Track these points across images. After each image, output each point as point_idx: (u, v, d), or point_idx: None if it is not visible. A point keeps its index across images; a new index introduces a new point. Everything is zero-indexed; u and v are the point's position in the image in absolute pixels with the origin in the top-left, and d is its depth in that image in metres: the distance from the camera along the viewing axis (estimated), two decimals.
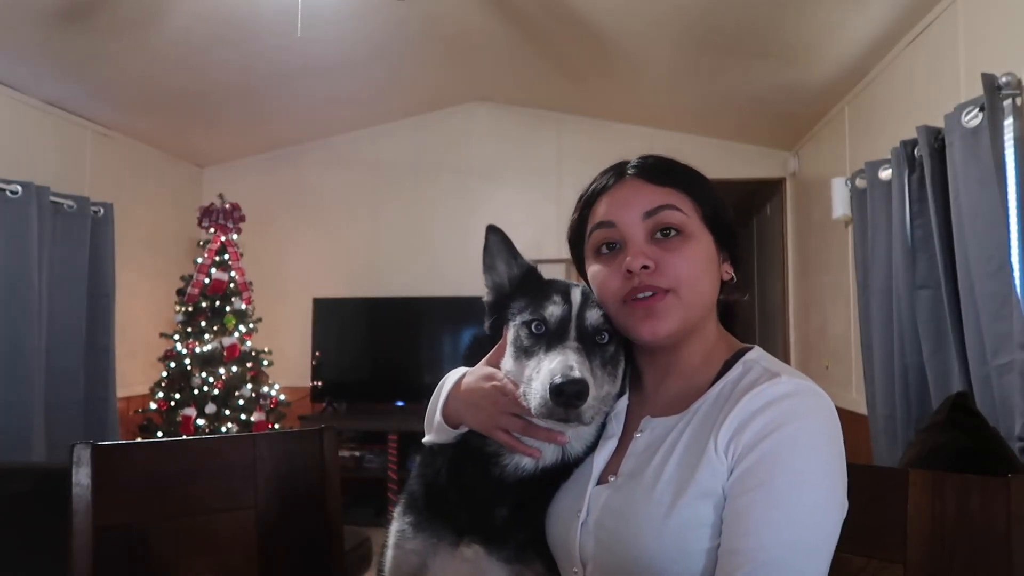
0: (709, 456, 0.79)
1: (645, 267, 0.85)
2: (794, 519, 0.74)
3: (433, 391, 1.03)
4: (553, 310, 0.91)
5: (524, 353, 0.90)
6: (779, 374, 0.81)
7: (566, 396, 0.80)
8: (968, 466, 1.48)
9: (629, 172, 0.93)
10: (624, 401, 0.96)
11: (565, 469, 0.93)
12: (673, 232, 0.88)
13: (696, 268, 0.88)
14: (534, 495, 0.93)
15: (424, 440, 1.01)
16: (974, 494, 0.88)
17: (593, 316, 0.91)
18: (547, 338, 0.89)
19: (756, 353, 0.89)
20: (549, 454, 0.92)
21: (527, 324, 0.91)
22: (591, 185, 0.97)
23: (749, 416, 0.78)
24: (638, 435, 0.89)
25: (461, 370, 1.01)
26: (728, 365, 0.88)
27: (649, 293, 0.86)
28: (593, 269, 0.93)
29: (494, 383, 0.91)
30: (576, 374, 0.81)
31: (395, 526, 0.99)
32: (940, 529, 0.89)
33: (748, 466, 0.76)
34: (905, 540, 0.90)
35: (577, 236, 0.98)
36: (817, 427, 0.78)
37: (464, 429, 0.95)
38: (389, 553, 0.98)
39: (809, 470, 0.76)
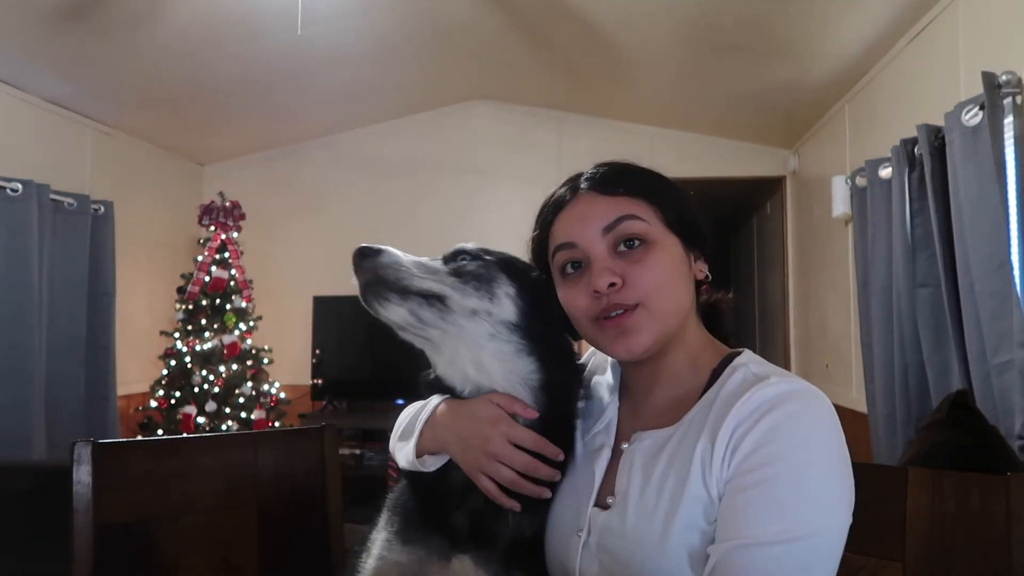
0: (705, 469, 0.77)
1: (612, 284, 0.83)
2: (802, 520, 0.72)
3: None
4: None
5: None
6: (768, 376, 0.79)
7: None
8: (968, 464, 1.48)
9: (582, 186, 0.90)
10: (614, 409, 0.93)
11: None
12: (636, 242, 0.85)
13: (663, 276, 0.85)
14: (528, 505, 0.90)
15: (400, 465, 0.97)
16: (974, 492, 0.88)
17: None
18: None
19: (745, 357, 0.86)
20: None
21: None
22: (548, 199, 0.94)
23: (746, 423, 0.76)
24: (627, 447, 0.87)
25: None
26: (717, 372, 0.86)
27: (619, 312, 0.84)
28: (562, 292, 0.90)
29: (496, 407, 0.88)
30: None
31: (380, 535, 0.95)
32: (939, 527, 0.89)
33: (750, 469, 0.74)
34: (904, 538, 0.90)
35: (540, 252, 0.95)
36: (820, 426, 0.76)
37: (436, 462, 0.92)
38: (371, 562, 0.93)
39: (808, 471, 0.74)
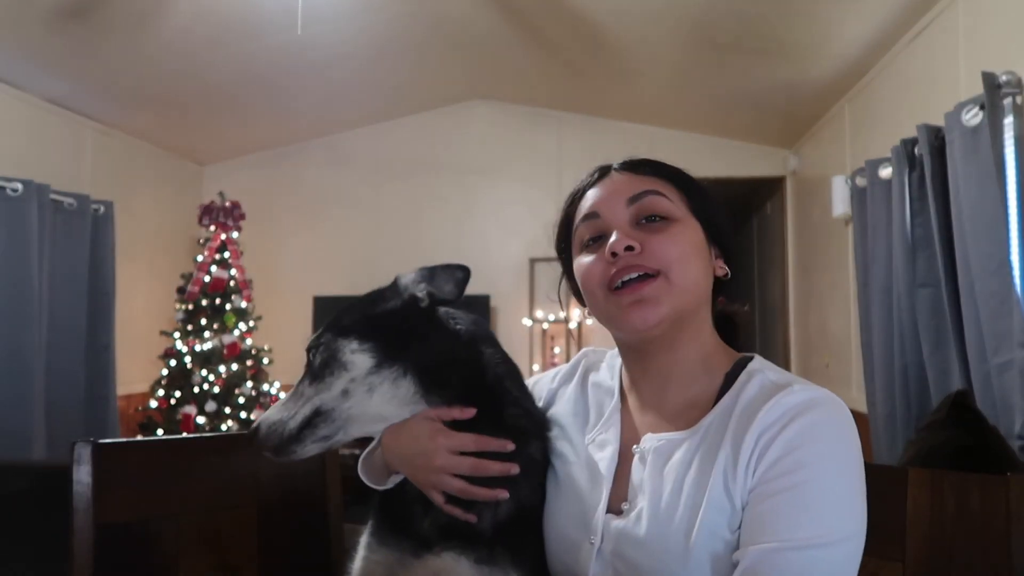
0: (728, 478, 0.77)
1: (630, 248, 0.82)
2: (834, 525, 0.73)
3: None
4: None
5: None
6: (790, 384, 0.79)
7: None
8: (968, 464, 1.49)
9: (614, 167, 0.92)
10: (616, 409, 0.92)
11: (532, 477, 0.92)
12: (658, 218, 0.85)
13: (684, 250, 0.84)
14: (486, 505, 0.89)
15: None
16: (973, 492, 0.88)
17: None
18: None
19: (758, 363, 0.86)
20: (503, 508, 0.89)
21: None
22: (576, 186, 0.95)
23: (771, 430, 0.76)
24: (638, 449, 0.85)
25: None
26: (731, 377, 0.85)
27: (635, 275, 0.82)
28: (578, 262, 0.90)
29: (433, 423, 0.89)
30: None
31: (363, 538, 0.97)
32: (939, 527, 0.89)
33: (778, 475, 0.74)
34: (904, 538, 0.90)
35: (563, 238, 0.95)
36: (843, 433, 0.77)
37: (396, 479, 0.94)
38: (358, 562, 0.96)
39: (837, 478, 0.74)
